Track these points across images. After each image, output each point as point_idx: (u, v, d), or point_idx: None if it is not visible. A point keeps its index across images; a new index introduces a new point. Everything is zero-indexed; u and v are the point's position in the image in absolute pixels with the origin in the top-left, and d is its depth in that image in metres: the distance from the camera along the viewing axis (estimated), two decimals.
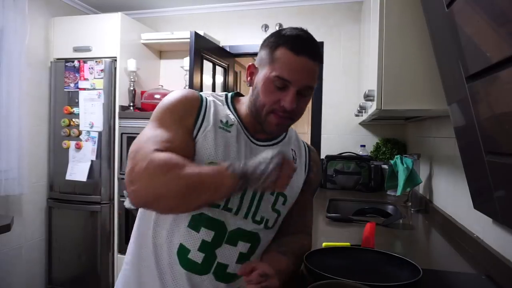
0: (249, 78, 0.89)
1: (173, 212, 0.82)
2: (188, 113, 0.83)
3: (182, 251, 0.83)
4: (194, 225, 0.82)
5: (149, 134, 0.78)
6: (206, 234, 0.83)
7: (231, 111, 0.90)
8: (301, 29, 0.84)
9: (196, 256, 0.82)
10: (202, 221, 0.82)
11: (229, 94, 0.94)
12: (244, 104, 0.92)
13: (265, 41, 0.87)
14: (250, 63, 0.89)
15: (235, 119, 0.88)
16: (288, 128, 0.91)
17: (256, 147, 0.89)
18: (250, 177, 0.71)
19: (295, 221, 1.00)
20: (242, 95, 0.97)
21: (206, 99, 0.87)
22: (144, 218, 0.89)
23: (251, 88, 0.88)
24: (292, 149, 0.97)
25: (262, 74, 0.84)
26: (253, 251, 0.89)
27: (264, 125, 0.85)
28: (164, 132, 0.78)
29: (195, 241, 0.83)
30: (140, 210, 0.91)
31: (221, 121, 0.85)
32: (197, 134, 0.82)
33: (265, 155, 0.73)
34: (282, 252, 0.89)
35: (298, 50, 0.80)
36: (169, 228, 0.84)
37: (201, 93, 0.88)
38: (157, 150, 0.73)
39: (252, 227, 0.87)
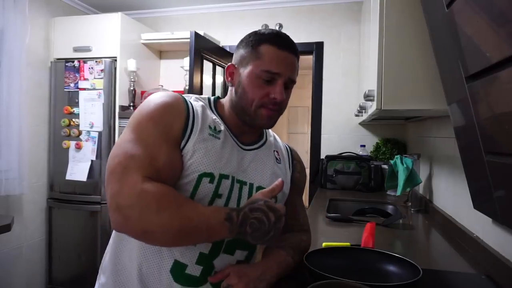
0: (229, 78, 0.89)
1: (159, 246, 0.78)
2: (174, 123, 0.78)
3: (178, 268, 0.79)
4: None
5: (132, 149, 0.73)
6: (204, 246, 0.80)
7: (216, 115, 0.88)
8: (278, 30, 0.88)
9: (194, 269, 0.80)
10: None
11: (212, 98, 0.92)
12: (225, 106, 0.91)
13: (242, 41, 0.88)
14: (229, 63, 0.89)
15: (221, 123, 0.86)
16: (277, 120, 0.89)
17: (243, 152, 0.88)
18: (248, 234, 0.72)
19: (290, 224, 1.00)
20: (221, 98, 0.95)
21: (192, 104, 0.83)
22: (122, 237, 0.83)
23: (231, 88, 0.89)
24: (274, 150, 0.97)
25: (246, 71, 0.84)
26: (250, 257, 0.89)
27: (256, 120, 0.84)
28: (147, 149, 0.73)
29: (192, 255, 0.79)
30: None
31: (210, 127, 0.82)
32: (185, 144, 0.78)
33: (271, 206, 0.73)
34: (280, 247, 0.91)
35: (281, 45, 0.83)
36: (157, 248, 0.79)
37: (184, 96, 0.85)
38: (147, 177, 0.70)
39: None
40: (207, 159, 0.79)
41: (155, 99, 0.80)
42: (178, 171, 0.77)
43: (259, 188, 0.87)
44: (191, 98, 0.86)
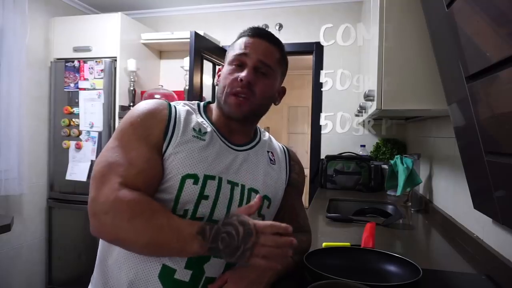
0: (217, 79, 0.92)
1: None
2: (154, 127, 0.79)
3: (166, 273, 0.76)
4: None
5: (112, 156, 0.75)
6: None
7: (204, 118, 0.88)
8: (260, 26, 0.93)
9: (183, 274, 0.76)
10: None
11: (201, 103, 0.93)
12: (214, 107, 0.92)
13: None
14: (220, 67, 0.93)
15: (208, 125, 0.86)
16: (248, 110, 0.85)
17: (234, 152, 0.87)
18: (221, 251, 0.68)
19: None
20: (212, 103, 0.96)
21: (175, 108, 0.84)
22: (109, 244, 0.82)
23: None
24: (269, 151, 0.96)
25: (225, 65, 0.89)
26: None
27: (225, 108, 0.85)
28: (126, 154, 0.75)
29: (181, 259, 0.76)
30: None
31: (194, 129, 0.82)
32: (167, 147, 0.78)
33: (242, 220, 0.69)
34: None
35: (253, 34, 0.87)
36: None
37: (171, 102, 0.86)
38: (123, 183, 0.71)
39: None
40: (189, 160, 0.78)
41: (138, 106, 0.82)
42: (158, 174, 0.77)
43: (251, 190, 0.86)
44: (179, 104, 0.87)
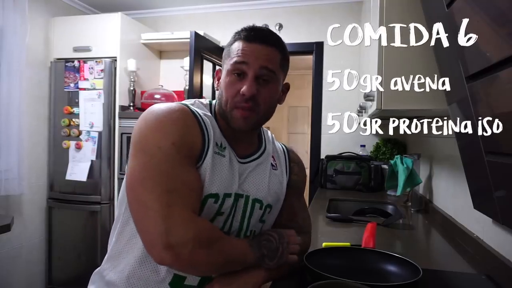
0: (217, 83, 0.87)
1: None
2: (194, 146, 0.76)
3: (177, 280, 0.79)
4: None
5: (167, 183, 0.70)
6: None
7: (217, 126, 0.84)
8: (256, 26, 0.85)
9: (193, 280, 0.80)
10: None
11: (213, 103, 0.88)
12: (219, 115, 0.87)
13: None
14: (218, 69, 0.88)
15: (223, 138, 0.83)
16: (255, 122, 0.83)
17: (242, 165, 0.86)
18: (265, 256, 0.82)
19: (288, 226, 0.98)
20: None
21: (201, 117, 0.79)
22: (118, 253, 0.81)
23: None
24: (272, 157, 0.95)
25: (223, 71, 0.84)
26: None
27: (231, 121, 0.81)
28: (181, 178, 0.72)
29: None
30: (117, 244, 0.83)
31: (216, 144, 0.80)
32: (201, 164, 0.76)
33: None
34: None
35: (250, 38, 0.80)
36: (155, 265, 0.77)
37: (189, 106, 0.80)
38: (192, 211, 0.71)
39: None
40: (213, 180, 0.78)
41: (164, 116, 0.75)
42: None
43: (255, 200, 0.86)
44: (194, 104, 0.84)
